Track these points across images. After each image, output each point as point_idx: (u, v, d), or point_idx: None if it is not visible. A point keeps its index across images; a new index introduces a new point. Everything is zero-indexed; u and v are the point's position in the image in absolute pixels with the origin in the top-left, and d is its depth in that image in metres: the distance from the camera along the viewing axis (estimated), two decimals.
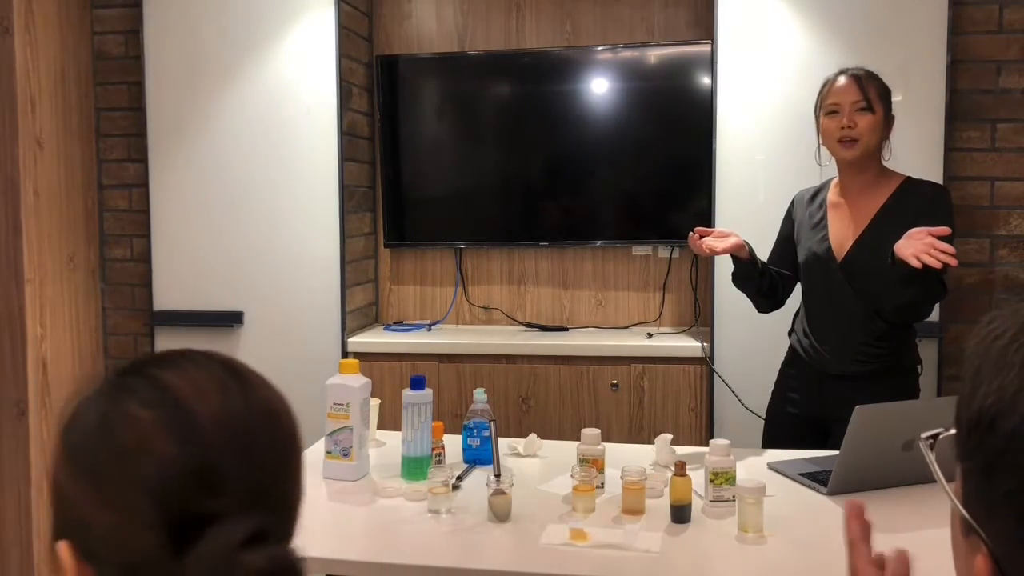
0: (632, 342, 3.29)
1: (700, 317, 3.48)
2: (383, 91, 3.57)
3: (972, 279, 3.21)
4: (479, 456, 2.10)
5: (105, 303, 3.66)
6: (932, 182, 2.40)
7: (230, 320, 3.35)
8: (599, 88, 3.46)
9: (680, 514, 1.75)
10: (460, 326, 3.68)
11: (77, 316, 3.46)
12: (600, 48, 3.49)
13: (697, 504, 1.79)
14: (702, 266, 3.47)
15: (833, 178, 2.47)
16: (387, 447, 2.24)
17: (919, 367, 2.39)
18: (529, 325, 3.59)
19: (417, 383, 2.04)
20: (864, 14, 3.03)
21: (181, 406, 0.71)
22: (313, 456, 2.14)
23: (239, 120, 3.35)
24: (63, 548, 0.71)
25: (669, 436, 2.12)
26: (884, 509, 1.80)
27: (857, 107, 2.28)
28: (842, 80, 2.32)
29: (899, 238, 2.13)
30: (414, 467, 2.00)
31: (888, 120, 2.34)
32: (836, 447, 1.94)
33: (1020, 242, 3.18)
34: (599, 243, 3.55)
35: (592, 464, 1.91)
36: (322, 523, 1.83)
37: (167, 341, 3.40)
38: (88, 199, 3.54)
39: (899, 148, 3.05)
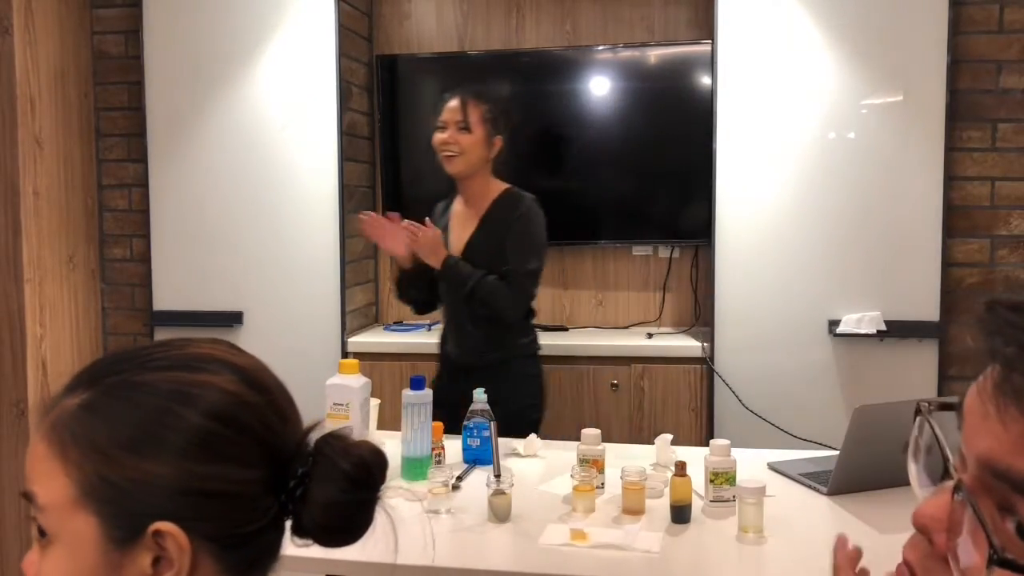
0: (632, 342, 3.29)
1: (700, 317, 3.48)
2: (383, 91, 3.57)
3: (973, 279, 3.21)
4: (479, 456, 2.10)
5: (105, 303, 3.66)
6: (526, 198, 2.65)
7: (230, 320, 3.35)
8: (599, 88, 3.46)
9: (680, 514, 1.75)
10: None
11: (77, 316, 3.46)
12: (600, 48, 3.49)
13: (697, 504, 1.79)
14: (702, 266, 3.47)
15: None
16: (387, 447, 2.23)
17: (537, 351, 2.71)
18: None
19: (417, 383, 2.04)
20: (864, 14, 3.03)
21: (238, 365, 0.78)
22: None
23: (239, 120, 3.35)
24: (176, 530, 0.70)
25: (669, 436, 2.12)
26: (884, 509, 1.80)
27: (459, 126, 2.57)
28: (452, 101, 2.60)
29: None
30: (414, 467, 2.00)
31: (490, 140, 2.60)
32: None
33: (1020, 242, 3.17)
34: (599, 243, 3.55)
35: (592, 464, 1.91)
36: None
37: None
38: (88, 199, 3.54)
39: (899, 148, 3.06)
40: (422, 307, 2.75)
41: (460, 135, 2.57)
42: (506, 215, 2.59)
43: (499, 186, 2.67)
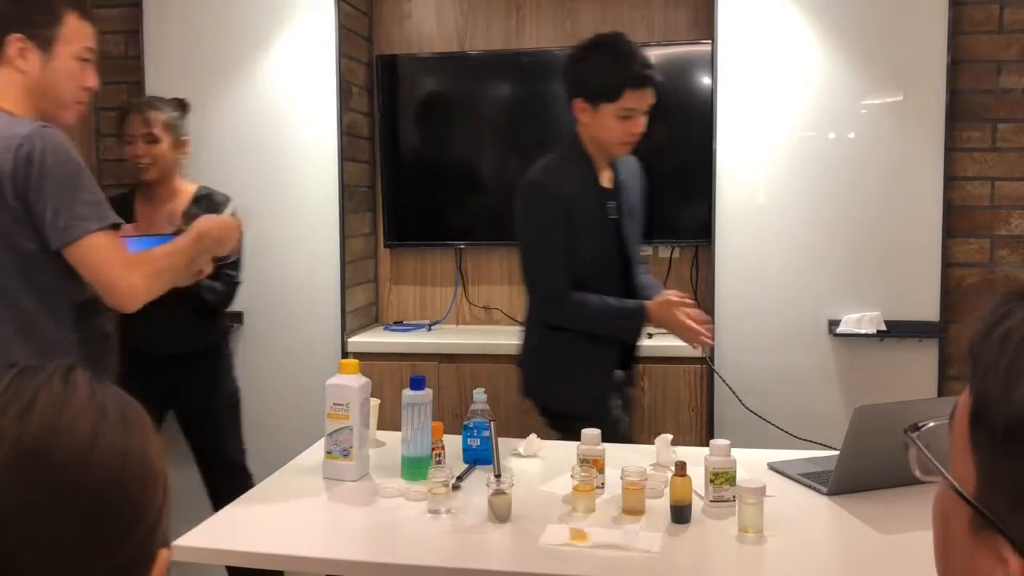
0: None
1: None
2: (383, 91, 3.57)
3: (973, 279, 3.21)
4: (479, 456, 2.10)
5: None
6: (222, 196, 2.87)
7: (230, 320, 3.34)
8: None
9: (680, 514, 1.75)
10: (460, 326, 3.67)
11: None
12: None
13: (697, 504, 1.79)
14: (702, 266, 3.47)
15: None
16: (387, 447, 2.24)
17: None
18: None
19: (417, 383, 2.04)
20: (864, 14, 3.03)
21: None
22: (313, 456, 2.14)
23: (239, 120, 3.35)
24: None
25: (669, 436, 2.12)
26: (884, 509, 1.80)
27: (146, 139, 2.85)
28: (133, 115, 2.88)
29: None
30: (414, 467, 2.00)
31: (178, 142, 2.90)
32: None
33: (1020, 242, 3.18)
34: None
35: (592, 464, 1.91)
36: (322, 523, 1.82)
37: None
38: None
39: (899, 148, 3.06)
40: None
41: (150, 147, 2.83)
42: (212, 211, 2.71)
43: (188, 185, 2.93)
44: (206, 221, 2.07)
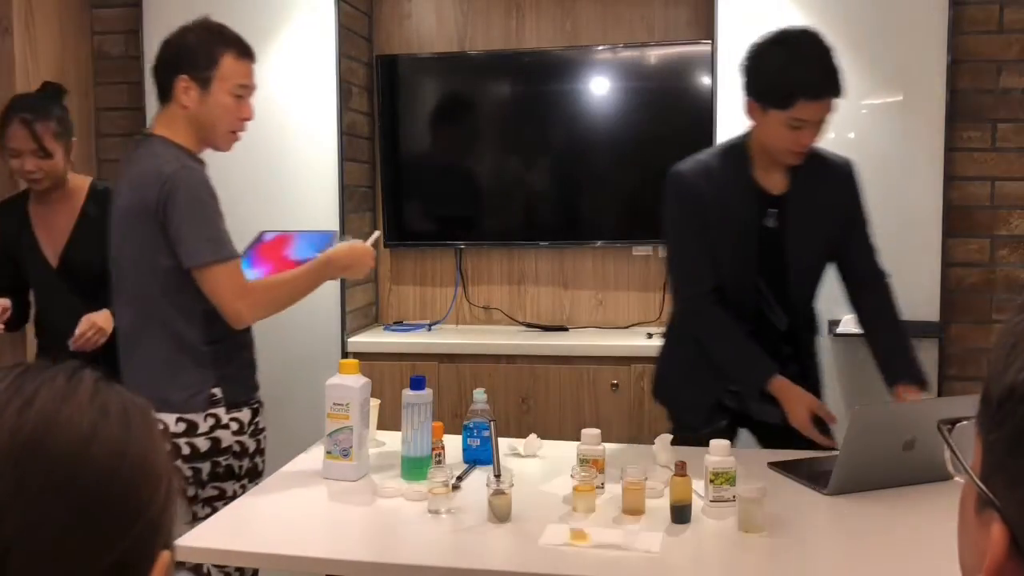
0: (632, 342, 3.29)
1: None
2: (383, 91, 3.57)
3: (972, 279, 3.21)
4: (479, 456, 2.10)
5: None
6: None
7: None
8: (599, 88, 3.46)
9: (680, 514, 1.75)
10: (460, 326, 3.67)
11: None
12: (600, 48, 3.49)
13: (697, 504, 1.79)
14: None
15: None
16: (387, 447, 2.24)
17: None
18: (529, 325, 3.59)
19: (417, 383, 2.04)
20: (864, 14, 3.03)
21: None
22: (313, 456, 2.14)
23: None
24: None
25: (669, 436, 2.11)
26: (884, 509, 1.80)
27: (37, 155, 2.53)
28: (16, 129, 2.53)
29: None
30: (414, 467, 2.00)
31: (67, 149, 2.61)
32: None
33: (1020, 242, 3.17)
34: (599, 243, 3.55)
35: (592, 464, 1.91)
36: (322, 523, 1.83)
37: None
38: None
39: (899, 148, 3.06)
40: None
41: (42, 162, 2.55)
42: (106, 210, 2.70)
43: (81, 180, 2.71)
44: (341, 249, 2.24)
